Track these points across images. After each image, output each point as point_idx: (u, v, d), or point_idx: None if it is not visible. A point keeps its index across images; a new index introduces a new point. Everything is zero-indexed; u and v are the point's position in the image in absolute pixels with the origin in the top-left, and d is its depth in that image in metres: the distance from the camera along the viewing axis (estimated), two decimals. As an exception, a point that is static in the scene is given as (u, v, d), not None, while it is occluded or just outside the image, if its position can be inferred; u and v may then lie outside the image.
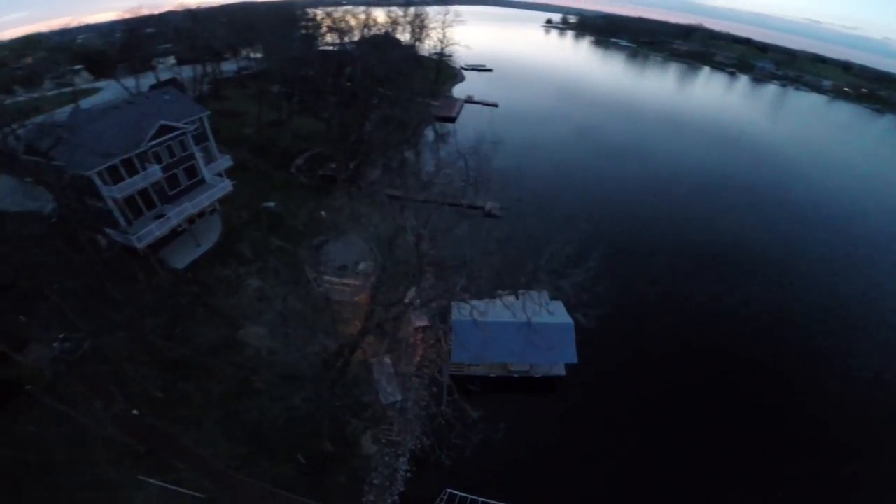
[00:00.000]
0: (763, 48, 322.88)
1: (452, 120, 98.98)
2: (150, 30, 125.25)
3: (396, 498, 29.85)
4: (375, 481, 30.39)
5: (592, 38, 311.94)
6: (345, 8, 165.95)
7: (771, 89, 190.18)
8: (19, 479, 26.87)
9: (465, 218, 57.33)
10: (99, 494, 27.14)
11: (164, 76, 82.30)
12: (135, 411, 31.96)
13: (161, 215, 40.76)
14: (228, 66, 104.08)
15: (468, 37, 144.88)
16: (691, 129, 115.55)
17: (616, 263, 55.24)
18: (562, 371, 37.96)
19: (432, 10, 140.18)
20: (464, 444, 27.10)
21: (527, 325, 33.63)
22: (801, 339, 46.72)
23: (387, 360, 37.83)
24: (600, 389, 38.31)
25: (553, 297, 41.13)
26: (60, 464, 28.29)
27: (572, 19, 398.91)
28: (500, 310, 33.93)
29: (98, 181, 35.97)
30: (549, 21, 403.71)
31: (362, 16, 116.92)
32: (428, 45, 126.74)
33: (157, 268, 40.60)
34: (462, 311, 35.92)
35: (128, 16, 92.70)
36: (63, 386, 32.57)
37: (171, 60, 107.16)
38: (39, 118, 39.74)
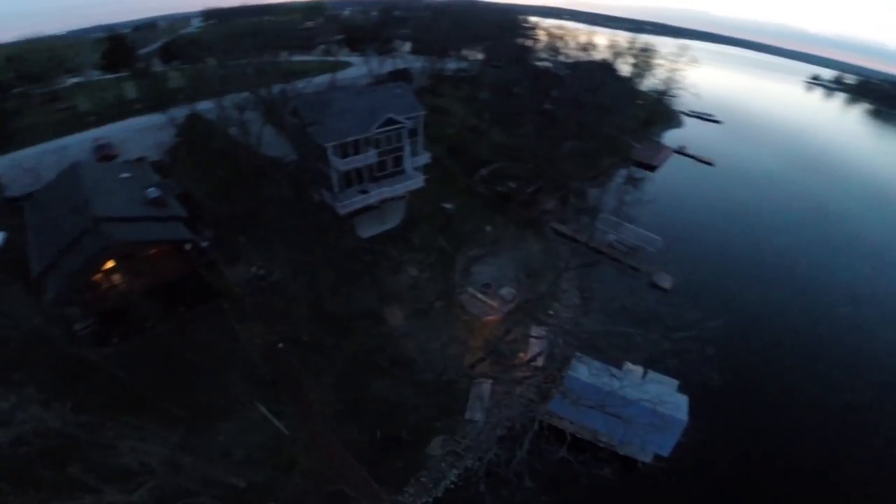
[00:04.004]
0: None
1: (653, 168, 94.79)
2: (397, 13, 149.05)
3: (431, 500, 32.94)
4: (423, 479, 33.77)
5: (871, 107, 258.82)
6: (565, 23, 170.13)
7: None
8: (172, 372, 35.50)
9: (626, 280, 56.62)
10: (218, 402, 34.75)
11: (400, 64, 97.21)
12: (280, 345, 39.64)
13: (364, 191, 50.19)
14: (450, 64, 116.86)
15: (702, 79, 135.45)
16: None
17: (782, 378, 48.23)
18: (648, 458, 36.34)
19: (664, 42, 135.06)
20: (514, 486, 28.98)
21: (639, 407, 33.41)
22: None
23: (487, 383, 40.48)
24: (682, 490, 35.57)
25: (680, 390, 38.98)
26: (206, 368, 36.30)
27: (849, 79, 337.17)
28: (621, 380, 33.72)
29: (331, 153, 46.27)
30: (815, 77, 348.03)
31: (583, 37, 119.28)
32: (649, 81, 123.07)
33: (348, 232, 50.13)
34: (581, 368, 36.90)
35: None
36: (243, 306, 41.72)
37: (407, 48, 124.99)
38: (309, 89, 52.39)
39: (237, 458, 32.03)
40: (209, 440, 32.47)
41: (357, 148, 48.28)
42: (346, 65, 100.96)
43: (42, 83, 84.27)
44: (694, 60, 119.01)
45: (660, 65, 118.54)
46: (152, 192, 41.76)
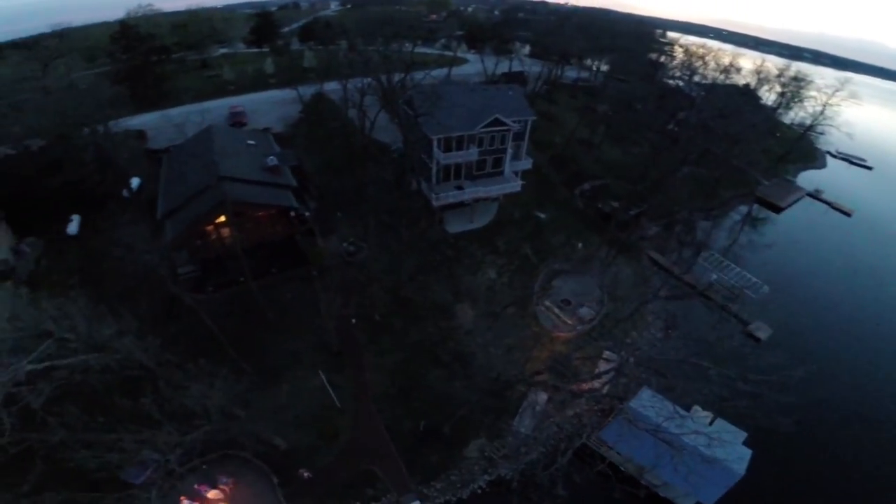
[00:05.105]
0: None
1: (778, 210, 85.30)
2: (521, 14, 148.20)
3: (454, 500, 33.10)
4: (453, 477, 34.02)
5: None
6: (708, 42, 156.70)
7: None
8: (252, 327, 38.54)
9: (716, 321, 51.90)
10: (285, 363, 37.50)
11: (516, 66, 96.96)
12: (353, 320, 42.03)
13: (459, 187, 51.43)
14: (569, 73, 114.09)
15: (860, 117, 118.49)
16: None
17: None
18: None
19: (821, 73, 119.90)
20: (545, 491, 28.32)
21: (696, 447, 31.74)
22: None
23: (543, 394, 39.53)
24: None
25: (747, 443, 35.77)
26: (282, 329, 39.23)
27: None
28: (685, 420, 31.72)
29: (436, 145, 47.91)
30: None
31: (726, 58, 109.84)
32: (795, 114, 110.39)
33: (437, 225, 51.63)
34: (646, 399, 35.20)
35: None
36: (328, 277, 44.74)
37: (526, 51, 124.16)
38: (426, 81, 54.21)
39: (287, 420, 34.54)
40: (267, 398, 35.41)
41: (461, 144, 49.45)
42: (463, 61, 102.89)
43: (197, 51, 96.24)
44: (854, 96, 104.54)
45: (811, 97, 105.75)
46: (271, 160, 46.44)
